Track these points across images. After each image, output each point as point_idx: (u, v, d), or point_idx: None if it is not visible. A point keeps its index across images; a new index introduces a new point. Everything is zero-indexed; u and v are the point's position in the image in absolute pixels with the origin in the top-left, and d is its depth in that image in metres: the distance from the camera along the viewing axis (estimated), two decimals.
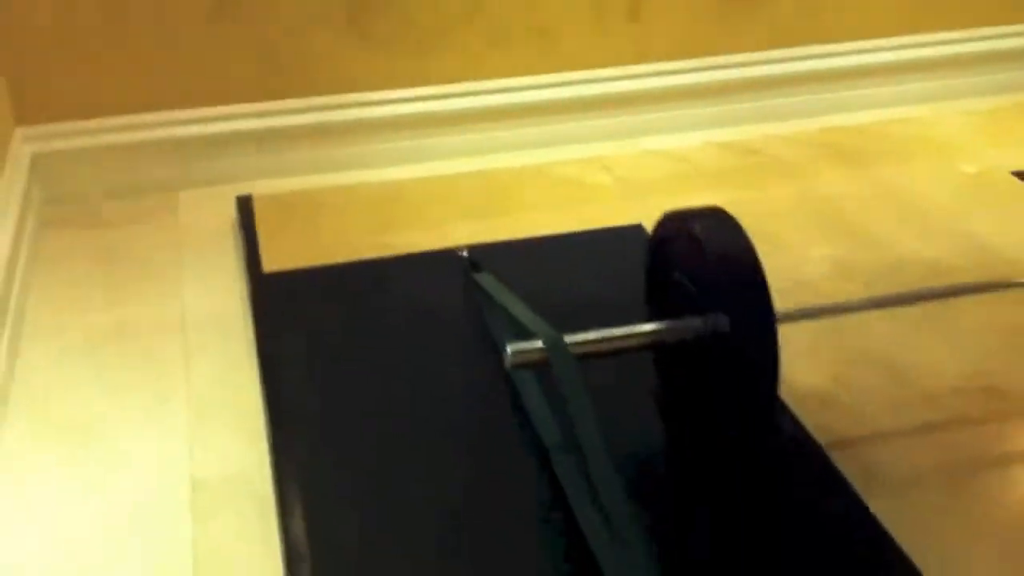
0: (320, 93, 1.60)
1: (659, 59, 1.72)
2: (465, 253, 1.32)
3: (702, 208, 1.03)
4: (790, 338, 1.20)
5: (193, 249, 1.44)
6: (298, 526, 0.95)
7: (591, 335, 1.00)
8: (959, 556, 0.93)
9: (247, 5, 1.54)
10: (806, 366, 1.16)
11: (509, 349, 0.98)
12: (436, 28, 1.62)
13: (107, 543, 0.96)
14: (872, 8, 1.78)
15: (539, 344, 0.98)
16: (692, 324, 0.99)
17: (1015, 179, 1.56)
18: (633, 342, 1.02)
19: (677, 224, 1.03)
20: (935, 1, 1.81)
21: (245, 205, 1.49)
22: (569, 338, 0.98)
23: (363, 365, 1.17)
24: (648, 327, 1.03)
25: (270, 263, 1.36)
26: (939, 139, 1.70)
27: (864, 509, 0.98)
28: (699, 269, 0.99)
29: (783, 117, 1.78)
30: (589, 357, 0.99)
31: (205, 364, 1.20)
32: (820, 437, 1.06)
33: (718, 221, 1.00)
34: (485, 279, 1.23)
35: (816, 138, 1.71)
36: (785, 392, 1.12)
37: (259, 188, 1.55)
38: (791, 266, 1.33)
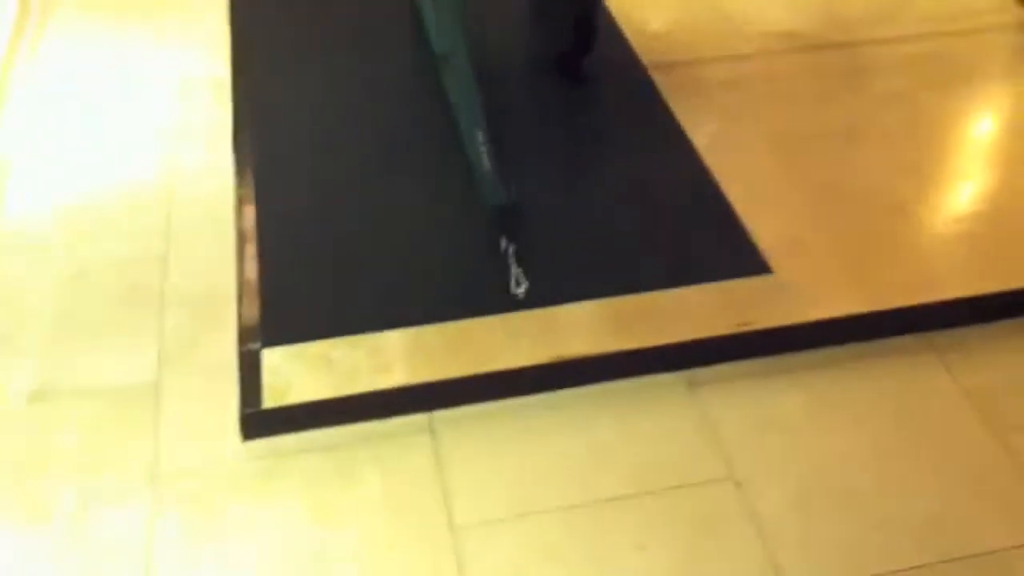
0: None
1: None
2: None
3: None
4: None
5: None
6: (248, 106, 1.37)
7: None
8: (730, 134, 1.30)
9: None
10: (650, 12, 1.51)
11: None
12: None
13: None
14: None
15: None
16: None
17: None
18: None
19: None
20: None
21: None
22: None
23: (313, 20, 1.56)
24: None
25: None
26: None
27: (666, 108, 1.34)
28: None
29: None
30: None
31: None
32: (645, 60, 1.41)
33: None
34: None
35: None
36: (627, 28, 1.46)
37: None
38: None
